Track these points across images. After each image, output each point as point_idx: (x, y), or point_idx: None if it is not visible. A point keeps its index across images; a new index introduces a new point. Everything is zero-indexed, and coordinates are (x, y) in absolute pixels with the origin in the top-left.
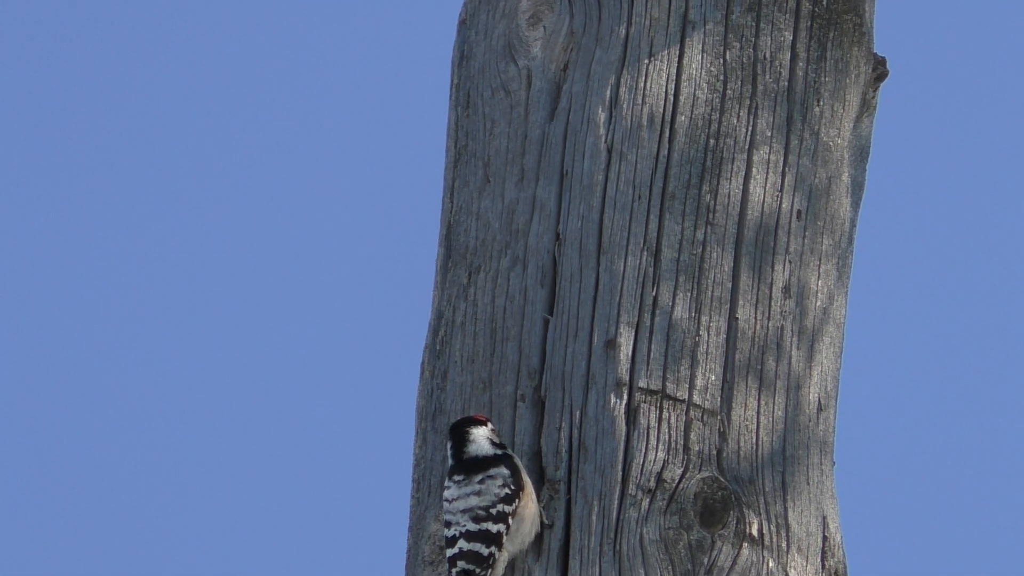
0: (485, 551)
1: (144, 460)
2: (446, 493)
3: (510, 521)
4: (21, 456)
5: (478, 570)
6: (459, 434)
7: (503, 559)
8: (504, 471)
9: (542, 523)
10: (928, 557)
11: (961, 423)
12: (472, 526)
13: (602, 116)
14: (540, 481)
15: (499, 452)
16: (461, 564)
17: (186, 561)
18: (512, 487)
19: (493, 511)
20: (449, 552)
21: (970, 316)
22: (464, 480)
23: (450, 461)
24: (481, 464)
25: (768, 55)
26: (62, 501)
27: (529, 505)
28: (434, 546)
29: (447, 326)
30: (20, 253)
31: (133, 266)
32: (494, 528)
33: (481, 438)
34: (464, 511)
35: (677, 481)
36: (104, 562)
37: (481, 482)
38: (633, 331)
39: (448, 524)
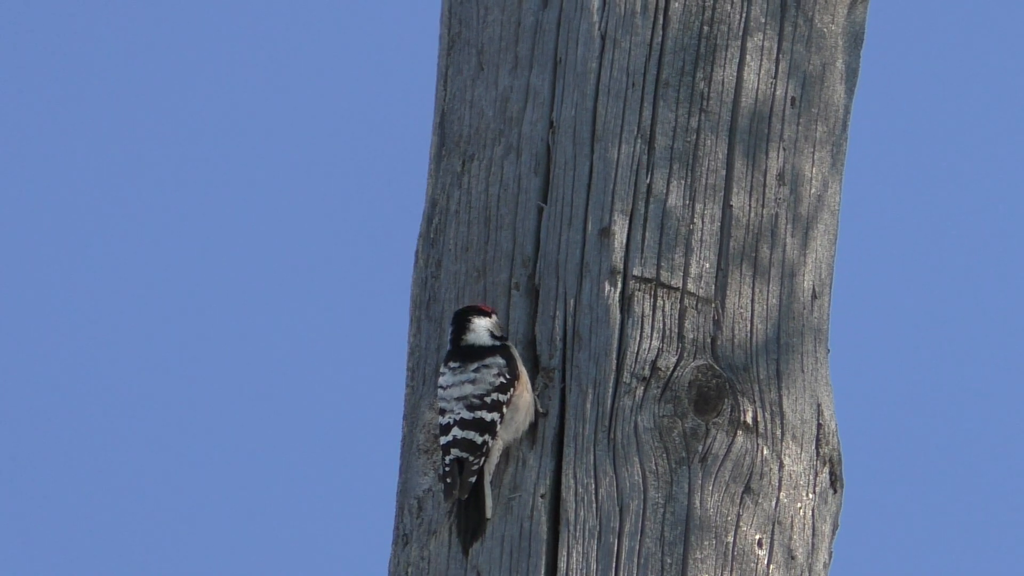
0: (479, 439)
1: (122, 440)
2: (441, 380)
3: (504, 410)
4: (15, 456)
5: (471, 458)
6: (461, 322)
7: (497, 447)
8: (500, 360)
9: (537, 411)
10: (922, 442)
11: (957, 309)
12: (467, 414)
13: (595, 3)
14: (534, 369)
15: (497, 344)
16: (455, 452)
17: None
18: (507, 376)
19: (488, 399)
20: (443, 440)
21: (965, 204)
22: (460, 368)
23: (448, 347)
24: (477, 353)
25: None
26: (53, 501)
27: (524, 394)
28: (429, 434)
29: (441, 214)
30: (7, 253)
31: (115, 258)
32: (488, 417)
33: (481, 328)
34: (459, 399)
35: (671, 369)
36: (104, 562)
37: (476, 371)
38: (627, 219)
39: (442, 412)
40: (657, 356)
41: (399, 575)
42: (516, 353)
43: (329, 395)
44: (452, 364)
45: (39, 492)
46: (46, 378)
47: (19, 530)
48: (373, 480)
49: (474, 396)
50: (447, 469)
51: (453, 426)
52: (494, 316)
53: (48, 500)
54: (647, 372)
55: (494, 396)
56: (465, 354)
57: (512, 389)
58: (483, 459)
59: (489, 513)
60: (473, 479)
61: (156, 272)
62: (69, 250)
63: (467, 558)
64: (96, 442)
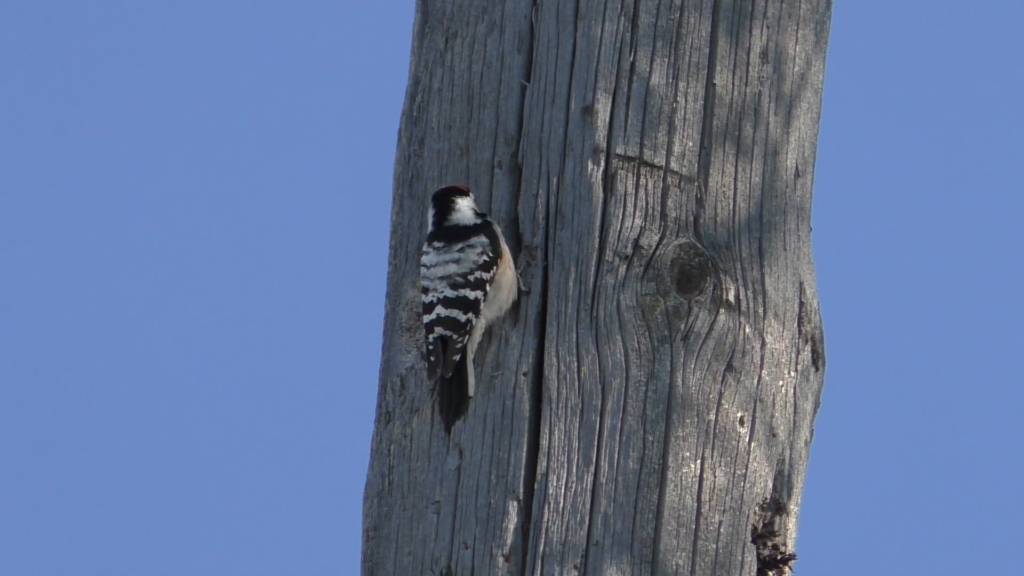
0: (462, 317)
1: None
2: (424, 259)
3: (488, 288)
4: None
5: (455, 336)
6: (443, 203)
7: (480, 325)
8: (483, 239)
9: (519, 289)
10: (903, 319)
11: (942, 187)
12: (450, 292)
13: None
14: (517, 248)
15: (479, 222)
16: (438, 330)
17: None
18: (491, 254)
19: (471, 278)
20: (426, 318)
21: (946, 83)
22: (444, 247)
23: (430, 227)
24: (461, 233)
25: None
26: (52, 500)
27: (507, 272)
28: (411, 312)
29: (424, 92)
30: (6, 253)
31: (106, 257)
32: (472, 295)
33: (465, 207)
34: (442, 278)
35: (654, 247)
36: (102, 562)
37: (460, 251)
38: (610, 97)
39: (426, 290)
40: (640, 234)
41: (382, 452)
42: (499, 231)
43: (312, 272)
44: (436, 244)
45: (35, 492)
46: (44, 377)
47: (18, 529)
48: (356, 358)
49: (458, 275)
50: (431, 347)
51: (436, 304)
52: (471, 195)
53: (47, 499)
54: (630, 250)
55: (477, 274)
56: (450, 234)
57: (495, 267)
58: (467, 337)
59: (471, 391)
60: (457, 357)
61: (124, 245)
62: (67, 250)
63: (449, 436)
64: (84, 438)
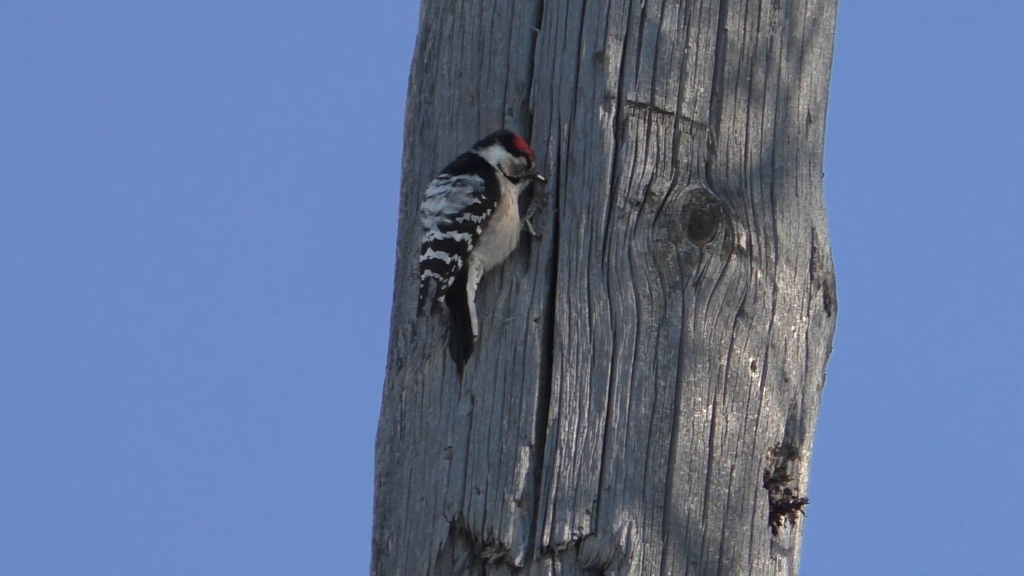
0: (447, 259)
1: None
2: (427, 190)
3: (478, 231)
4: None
5: (440, 277)
6: (490, 137)
7: (475, 267)
8: (477, 179)
9: (530, 235)
10: (916, 264)
11: (955, 133)
12: (439, 234)
13: None
14: (528, 194)
15: (491, 165)
16: (427, 272)
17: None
18: (483, 197)
19: (459, 219)
20: (421, 258)
21: (962, 27)
22: (444, 179)
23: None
24: (469, 167)
25: None
26: (50, 500)
27: (503, 219)
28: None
29: (434, 39)
30: (7, 253)
31: (103, 257)
32: (458, 237)
33: (494, 155)
34: (434, 214)
35: (665, 194)
36: (100, 562)
37: (454, 184)
38: (622, 44)
39: (424, 230)
40: (651, 181)
41: (394, 399)
42: (501, 178)
43: (324, 219)
44: (442, 174)
45: (32, 491)
46: (41, 376)
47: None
48: (368, 305)
49: (446, 215)
50: (422, 286)
51: (428, 246)
52: (524, 158)
53: (45, 500)
54: (641, 197)
55: (466, 216)
56: (463, 164)
57: (488, 211)
58: (451, 279)
59: (476, 331)
60: (442, 299)
61: (117, 242)
62: (65, 250)
63: (461, 378)
64: (79, 437)
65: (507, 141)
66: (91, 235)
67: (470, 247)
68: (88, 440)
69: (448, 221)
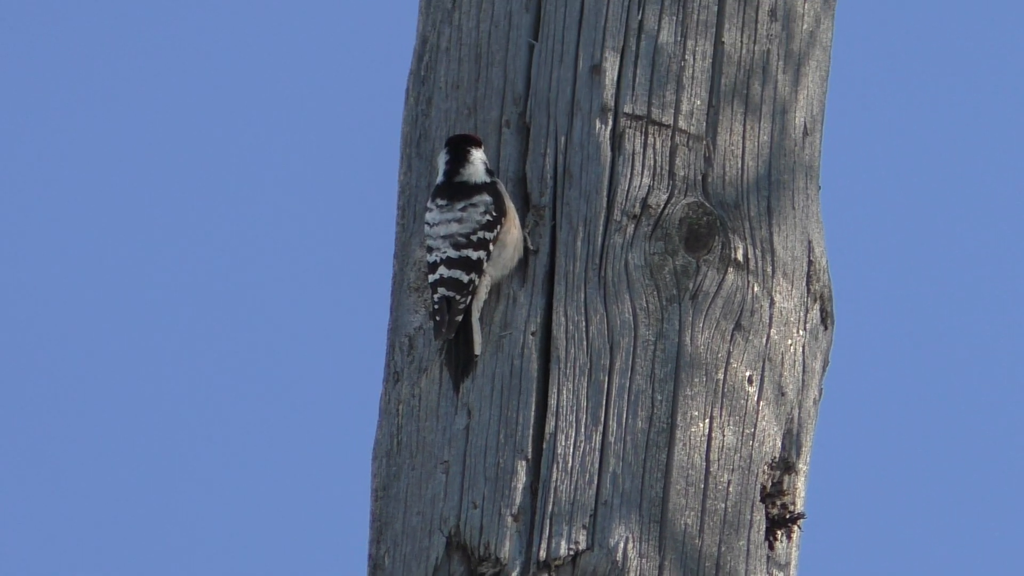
0: (465, 278)
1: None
2: (428, 216)
3: (491, 248)
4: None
5: (458, 296)
6: (459, 152)
7: (485, 283)
8: (487, 198)
9: (527, 248)
10: (912, 278)
11: (949, 147)
12: (453, 252)
13: None
14: (525, 207)
15: (487, 180)
16: (442, 291)
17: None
18: (494, 213)
19: (474, 238)
20: (431, 278)
21: (956, 41)
22: (447, 206)
23: (440, 177)
24: (466, 191)
25: None
26: (48, 500)
27: (511, 231)
28: (419, 272)
29: (432, 51)
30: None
31: (109, 262)
32: (475, 255)
33: (478, 161)
34: (445, 237)
35: (662, 206)
36: (100, 562)
37: (463, 210)
38: (618, 56)
39: (430, 249)
40: (648, 193)
41: (390, 412)
42: (503, 189)
43: (320, 232)
44: (440, 201)
45: (31, 492)
46: (41, 376)
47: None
48: (364, 318)
49: (460, 235)
50: (436, 307)
51: (440, 264)
52: (482, 147)
53: (44, 501)
54: (638, 210)
55: (480, 234)
56: (455, 190)
57: (499, 226)
58: (470, 297)
59: (478, 349)
60: (460, 318)
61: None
62: (66, 250)
63: (458, 395)
64: (83, 445)
65: (473, 141)
66: (89, 252)
67: (485, 264)
68: (87, 449)
69: (462, 240)
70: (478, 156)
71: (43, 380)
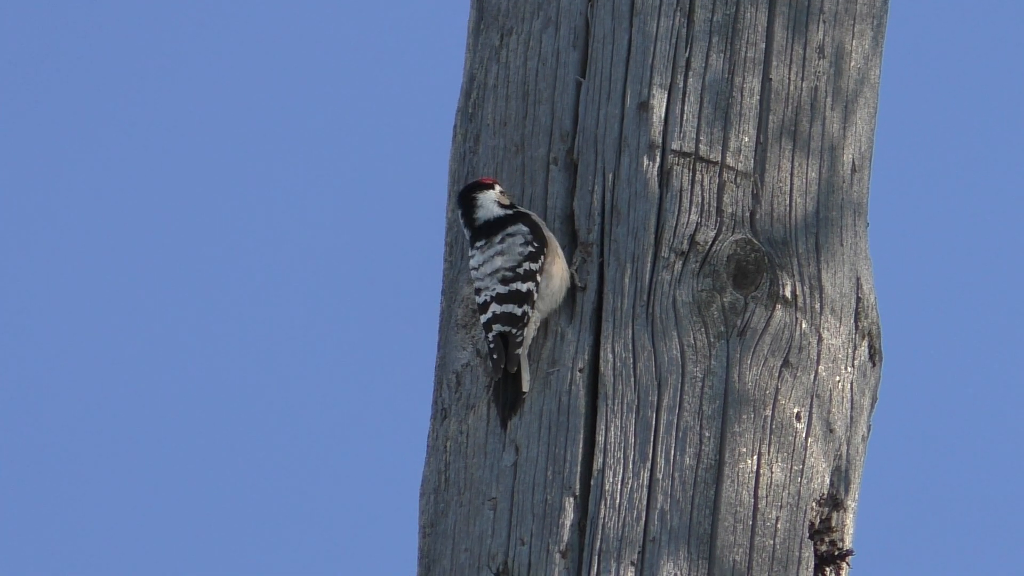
0: (518, 311)
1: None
2: (471, 262)
3: (538, 278)
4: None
5: (514, 331)
6: (466, 201)
7: (535, 319)
8: (523, 228)
9: (575, 285)
10: (961, 314)
11: (996, 184)
12: (501, 288)
13: None
14: (572, 244)
15: (509, 212)
16: (496, 327)
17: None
18: (535, 244)
19: (520, 270)
20: (483, 318)
21: (1003, 81)
22: (485, 244)
23: (466, 232)
24: (497, 225)
25: None
26: (49, 501)
27: (556, 261)
28: (467, 309)
29: (479, 89)
30: (7, 253)
31: (104, 257)
32: (523, 287)
33: (488, 201)
34: (491, 274)
35: (710, 243)
36: (99, 562)
37: (502, 241)
38: (666, 93)
39: (478, 291)
40: (696, 230)
41: (438, 449)
42: (539, 220)
43: (369, 270)
44: (478, 244)
45: (31, 493)
46: (43, 378)
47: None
48: (412, 355)
49: (506, 269)
50: (491, 346)
51: (491, 303)
52: (498, 186)
53: (44, 500)
54: (685, 246)
55: (526, 266)
56: (486, 230)
57: (543, 257)
58: (524, 330)
59: (526, 387)
60: (519, 351)
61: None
62: (70, 251)
63: (505, 432)
64: (83, 446)
65: (478, 186)
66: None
67: (535, 296)
68: (103, 466)
69: (509, 274)
70: (485, 196)
71: (55, 391)
